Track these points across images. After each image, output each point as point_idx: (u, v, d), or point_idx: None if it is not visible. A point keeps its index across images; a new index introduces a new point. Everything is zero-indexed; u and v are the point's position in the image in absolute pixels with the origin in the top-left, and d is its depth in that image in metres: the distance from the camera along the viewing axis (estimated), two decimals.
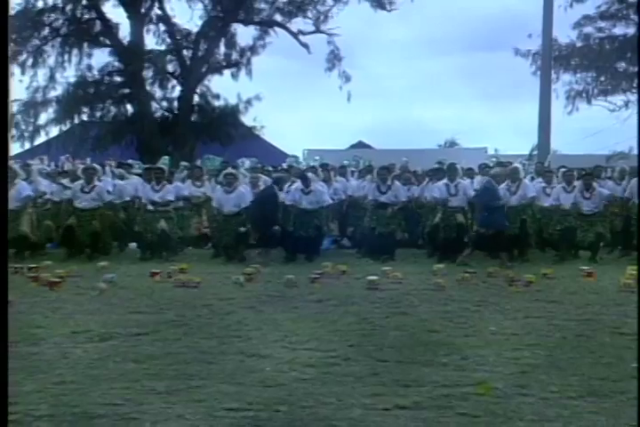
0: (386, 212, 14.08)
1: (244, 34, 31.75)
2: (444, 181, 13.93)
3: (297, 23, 31.51)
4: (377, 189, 14.33)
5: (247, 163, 17.62)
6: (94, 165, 15.41)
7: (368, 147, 34.50)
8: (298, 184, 14.34)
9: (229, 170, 14.83)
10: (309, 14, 31.33)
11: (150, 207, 14.15)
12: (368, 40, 37.79)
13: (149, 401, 5.15)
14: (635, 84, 30.43)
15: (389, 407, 5.04)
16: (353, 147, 34.69)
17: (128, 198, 15.19)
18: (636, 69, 29.13)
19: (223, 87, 32.09)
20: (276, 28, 31.63)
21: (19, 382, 5.54)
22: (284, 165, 17.88)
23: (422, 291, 9.98)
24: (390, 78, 54.13)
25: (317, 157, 19.83)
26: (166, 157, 19.06)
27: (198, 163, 18.29)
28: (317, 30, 31.36)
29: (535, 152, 29.18)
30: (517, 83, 53.67)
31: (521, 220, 13.61)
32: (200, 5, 31.13)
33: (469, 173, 15.55)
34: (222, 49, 31.73)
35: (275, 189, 14.09)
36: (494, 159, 18.51)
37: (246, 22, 31.50)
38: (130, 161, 18.76)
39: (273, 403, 5.10)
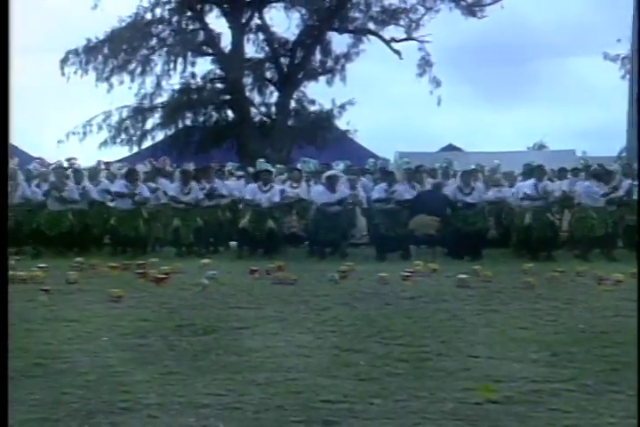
0: (471, 212, 14.22)
1: (339, 42, 32.22)
2: (532, 181, 14.10)
3: (389, 31, 31.85)
4: (460, 191, 14.50)
5: (341, 165, 17.88)
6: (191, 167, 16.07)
7: (458, 149, 34.31)
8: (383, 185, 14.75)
9: (333, 171, 15.27)
10: (402, 22, 31.58)
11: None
12: (458, 46, 37.87)
13: (250, 392, 5.29)
14: None
15: (481, 402, 5.07)
16: (443, 150, 34.58)
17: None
18: None
19: (318, 93, 32.55)
20: (370, 36, 31.95)
21: (129, 371, 5.80)
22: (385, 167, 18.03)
23: (512, 289, 10.09)
24: (479, 83, 53.71)
25: (406, 160, 19.91)
26: (262, 159, 19.43)
27: (298, 166, 18.66)
28: (409, 37, 31.56)
29: (624, 154, 28.69)
30: (605, 86, 52.62)
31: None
32: (297, 15, 31.68)
33: (561, 174, 15.69)
34: (318, 56, 32.22)
35: (443, 192, 14.59)
36: (582, 161, 18.33)
37: (341, 30, 31.90)
38: (229, 164, 19.28)
39: (367, 396, 5.19)
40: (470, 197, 14.59)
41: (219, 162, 19.97)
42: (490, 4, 31.15)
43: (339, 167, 17.48)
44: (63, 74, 30.22)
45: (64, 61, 30.17)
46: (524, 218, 14.21)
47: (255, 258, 13.99)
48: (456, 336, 7.09)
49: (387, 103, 46.97)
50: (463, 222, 14.37)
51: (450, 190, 15.05)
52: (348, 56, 32.09)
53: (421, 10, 31.30)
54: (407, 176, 15.59)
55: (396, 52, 31.60)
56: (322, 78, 32.36)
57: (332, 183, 14.68)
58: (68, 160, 18.27)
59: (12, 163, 16.63)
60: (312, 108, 32.53)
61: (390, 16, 31.44)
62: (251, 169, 18.02)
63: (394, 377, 5.71)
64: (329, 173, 15.41)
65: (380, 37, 31.71)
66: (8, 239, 13.89)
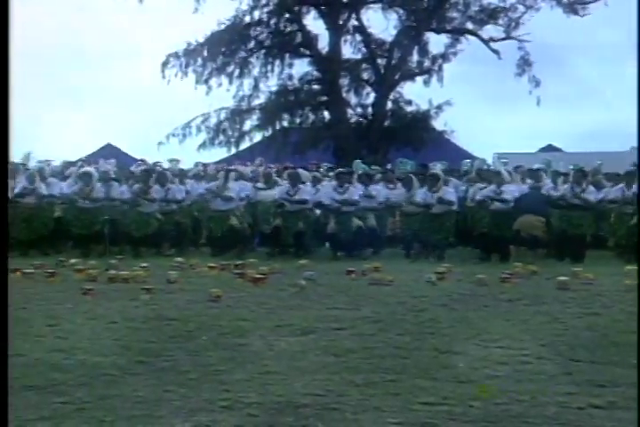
0: (578, 214, 13.95)
1: (437, 42, 32.04)
2: None
3: (488, 30, 31.51)
4: (570, 191, 14.25)
5: (438, 166, 17.81)
6: (299, 169, 16.21)
7: (558, 150, 33.59)
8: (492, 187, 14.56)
9: (432, 171, 15.24)
10: (500, 21, 31.20)
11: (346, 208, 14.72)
12: (559, 45, 37.05)
13: (349, 393, 5.29)
14: None
15: (583, 406, 4.98)
16: (542, 150, 33.90)
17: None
18: None
19: (415, 93, 32.43)
20: (468, 36, 31.70)
21: (229, 370, 5.87)
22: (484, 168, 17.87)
23: (614, 292, 9.83)
24: (581, 82, 52.38)
25: (505, 160, 19.64)
26: (358, 160, 19.47)
27: (389, 166, 18.68)
28: (508, 37, 31.16)
29: None
30: None
31: None
32: (395, 16, 31.64)
33: None
34: (415, 57, 32.12)
35: (544, 193, 14.58)
36: None
37: (439, 31, 31.75)
38: (324, 165, 19.41)
39: (467, 398, 5.14)
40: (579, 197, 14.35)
41: (315, 163, 20.14)
42: (593, 2, 30.50)
43: (436, 168, 17.41)
44: (164, 77, 30.89)
45: (165, 64, 30.84)
46: (630, 219, 13.90)
47: (352, 259, 14.02)
48: (557, 339, 6.95)
49: (484, 103, 46.42)
50: (568, 224, 14.12)
51: (560, 191, 14.75)
52: (445, 56, 31.95)
53: (521, 8, 30.92)
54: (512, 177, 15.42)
55: (495, 51, 31.29)
56: (419, 79, 32.32)
57: (432, 184, 14.64)
58: (170, 161, 18.67)
59: (110, 164, 17.09)
60: (409, 109, 32.51)
61: (489, 15, 31.14)
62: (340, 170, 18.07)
63: (493, 380, 5.65)
64: (430, 172, 15.39)
65: (479, 37, 31.45)
66: (98, 239, 14.43)
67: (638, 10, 26.68)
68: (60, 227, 15.33)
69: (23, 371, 5.79)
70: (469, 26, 31.67)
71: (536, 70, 31.11)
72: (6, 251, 5.04)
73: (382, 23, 31.36)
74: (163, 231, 15.06)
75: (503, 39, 31.35)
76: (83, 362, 6.11)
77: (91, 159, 20.90)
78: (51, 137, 41.07)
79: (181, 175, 16.74)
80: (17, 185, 14.99)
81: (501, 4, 31.08)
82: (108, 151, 28.42)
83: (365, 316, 8.21)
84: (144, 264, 12.01)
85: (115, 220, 15.30)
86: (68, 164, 18.67)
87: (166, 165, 18.30)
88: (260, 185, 16.18)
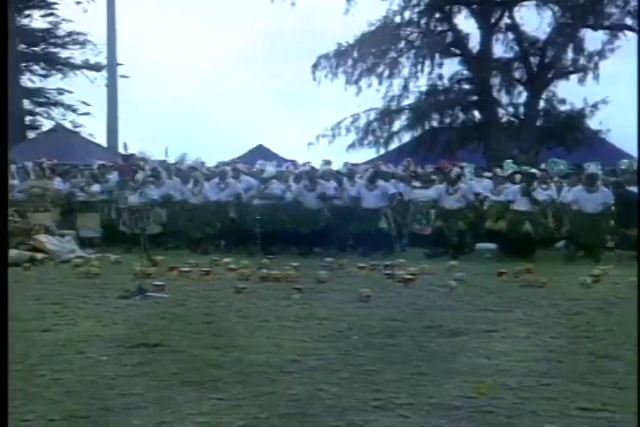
0: None
1: (593, 38, 31.03)
2: None
3: None
4: None
5: (592, 166, 17.31)
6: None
7: None
8: None
9: (591, 171, 14.89)
10: None
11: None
12: None
13: (501, 396, 5.23)
14: None
15: None
16: None
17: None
18: None
19: (569, 92, 31.47)
20: (627, 32, 30.59)
21: (380, 370, 5.89)
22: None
23: None
24: None
25: None
26: (509, 160, 19.11)
27: (543, 166, 18.27)
28: None
29: None
30: None
31: None
32: (549, 13, 30.86)
33: None
34: (569, 54, 31.19)
35: None
36: None
37: (595, 27, 30.71)
38: (463, 164, 19.11)
39: (628, 405, 4.98)
40: None
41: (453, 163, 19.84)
42: None
43: (591, 168, 16.94)
44: (314, 78, 31.21)
45: (315, 66, 31.14)
46: None
47: (503, 260, 13.76)
48: None
49: None
50: None
51: None
52: (602, 53, 30.89)
53: None
54: None
55: None
56: (573, 77, 31.40)
57: (590, 183, 14.29)
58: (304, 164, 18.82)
59: (271, 165, 17.38)
60: (562, 108, 31.60)
61: None
62: (498, 170, 17.83)
63: None
64: (589, 171, 15.01)
65: (638, 33, 30.30)
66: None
67: (638, 11, 25.34)
68: (231, 226, 15.68)
69: (182, 367, 5.98)
70: (628, 21, 30.55)
71: None
72: (7, 250, 5.17)
73: (536, 21, 30.65)
74: (328, 229, 15.16)
75: None
76: (238, 359, 6.24)
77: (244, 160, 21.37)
78: (202, 138, 42.23)
79: (350, 174, 16.77)
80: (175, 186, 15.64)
81: None
82: (260, 152, 28.92)
83: (518, 318, 8.09)
84: (294, 263, 12.16)
85: (282, 218, 15.43)
86: (230, 162, 19.25)
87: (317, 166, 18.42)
88: (416, 184, 16.21)
